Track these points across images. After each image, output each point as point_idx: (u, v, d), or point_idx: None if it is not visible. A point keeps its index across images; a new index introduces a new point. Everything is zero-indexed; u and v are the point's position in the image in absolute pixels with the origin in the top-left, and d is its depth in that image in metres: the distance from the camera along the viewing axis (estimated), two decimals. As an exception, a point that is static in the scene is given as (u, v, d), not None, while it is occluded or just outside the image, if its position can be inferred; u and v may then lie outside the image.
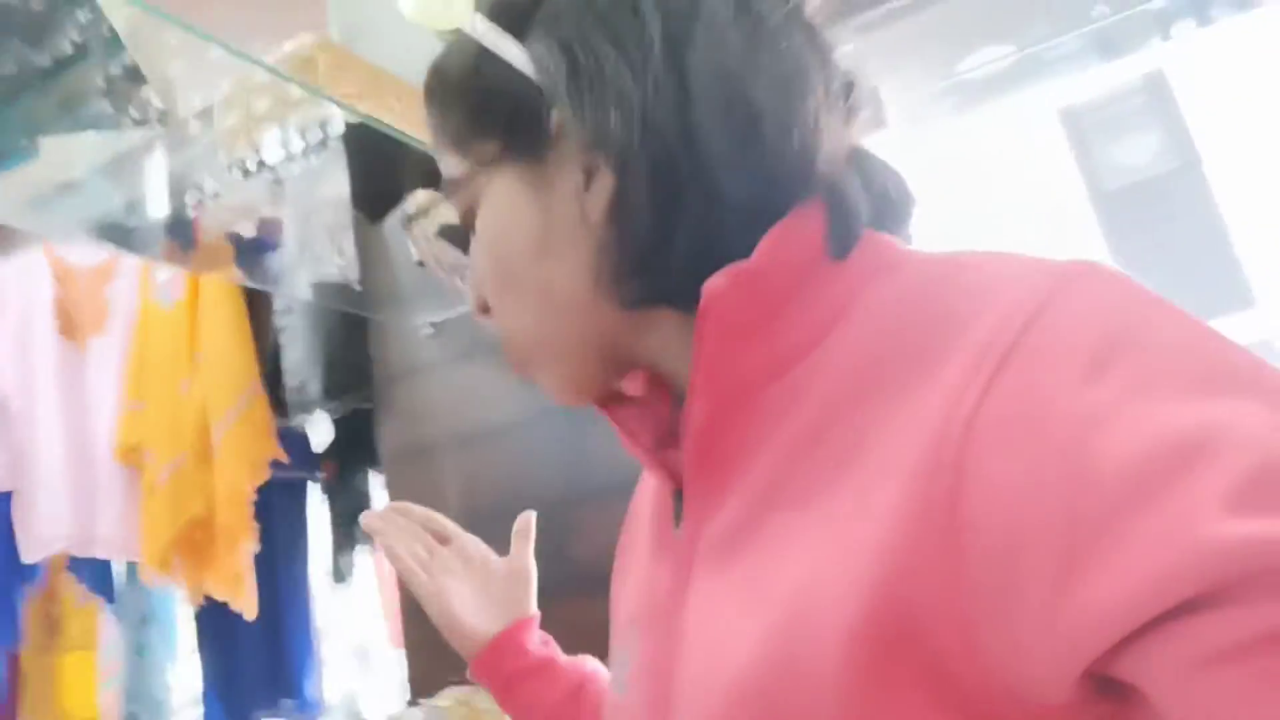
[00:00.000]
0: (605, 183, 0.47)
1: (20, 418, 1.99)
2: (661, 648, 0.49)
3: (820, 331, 0.46)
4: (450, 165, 0.54)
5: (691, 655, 0.46)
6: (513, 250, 0.51)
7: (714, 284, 0.45)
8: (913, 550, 0.36)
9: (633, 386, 0.57)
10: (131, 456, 1.91)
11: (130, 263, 2.04)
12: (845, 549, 0.39)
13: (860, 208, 0.48)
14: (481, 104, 0.51)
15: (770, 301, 0.46)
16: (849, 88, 0.50)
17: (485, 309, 0.56)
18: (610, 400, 0.56)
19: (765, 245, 0.46)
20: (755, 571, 0.43)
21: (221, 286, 1.88)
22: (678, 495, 0.53)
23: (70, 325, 2.02)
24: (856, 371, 0.43)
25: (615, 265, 0.48)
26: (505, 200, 0.51)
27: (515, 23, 0.49)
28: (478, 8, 0.49)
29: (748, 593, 0.43)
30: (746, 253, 0.46)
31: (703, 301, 0.45)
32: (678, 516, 0.52)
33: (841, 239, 0.47)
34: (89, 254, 2.07)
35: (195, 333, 1.89)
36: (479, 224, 0.53)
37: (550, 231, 0.50)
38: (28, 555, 1.94)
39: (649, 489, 0.63)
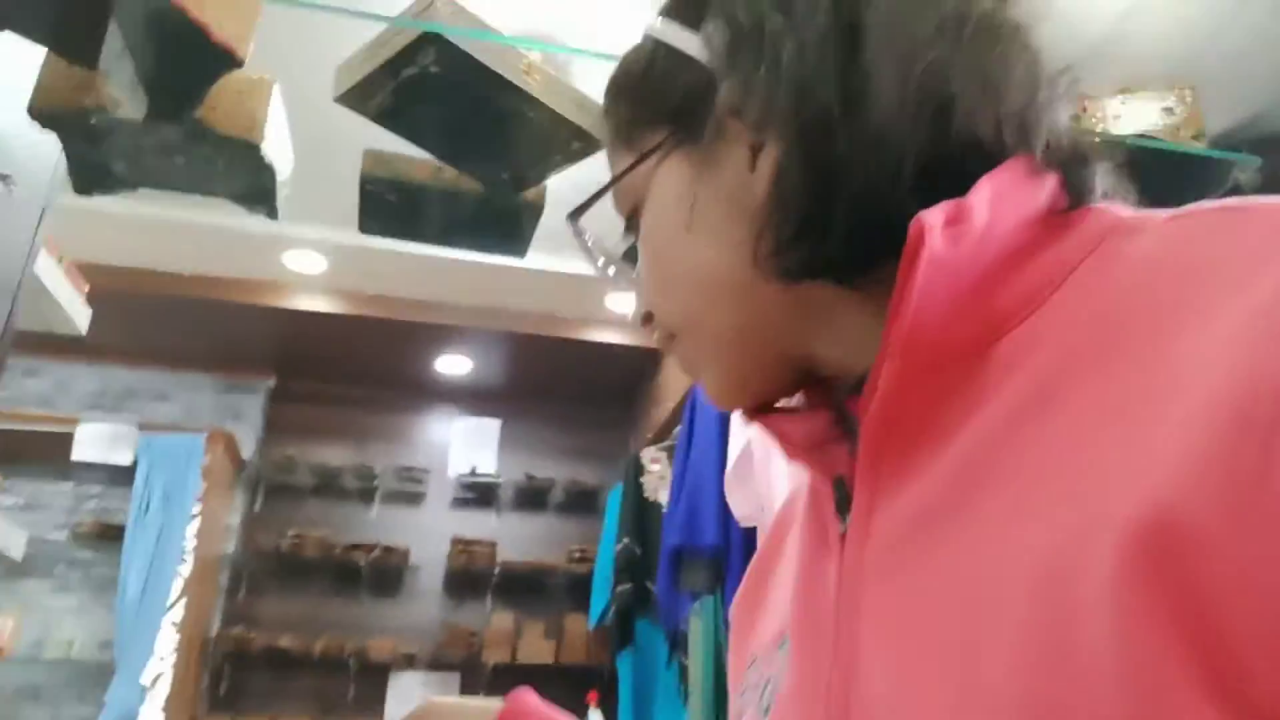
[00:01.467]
0: (770, 154, 0.45)
1: (760, 464, 2.30)
2: (827, 660, 0.43)
3: (1042, 293, 0.41)
4: (618, 162, 0.53)
5: (877, 669, 0.40)
6: (672, 236, 0.49)
7: (929, 217, 0.40)
8: (1211, 503, 0.30)
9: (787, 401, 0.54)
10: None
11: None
12: (1103, 514, 0.32)
13: (1093, 160, 0.45)
14: (651, 93, 0.51)
15: (988, 250, 0.41)
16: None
17: (649, 318, 0.54)
18: (765, 410, 0.52)
19: (985, 187, 0.41)
20: (963, 561, 0.37)
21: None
22: (839, 485, 0.47)
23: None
24: (1094, 333, 0.38)
25: (775, 235, 0.45)
26: (669, 186, 0.50)
27: (691, 12, 0.50)
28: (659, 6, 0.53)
29: (956, 589, 0.37)
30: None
31: (911, 237, 0.40)
32: (842, 509, 0.46)
33: (1077, 187, 0.44)
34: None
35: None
36: (644, 220, 0.52)
37: (711, 211, 0.48)
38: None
39: (796, 502, 0.59)
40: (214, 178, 1.26)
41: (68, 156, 1.24)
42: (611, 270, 0.56)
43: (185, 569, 4.04)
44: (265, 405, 4.81)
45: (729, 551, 2.66)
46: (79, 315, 1.64)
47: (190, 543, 4.07)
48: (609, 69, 0.55)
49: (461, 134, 1.06)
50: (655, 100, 0.50)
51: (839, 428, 0.48)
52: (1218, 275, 0.34)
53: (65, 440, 4.00)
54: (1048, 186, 0.43)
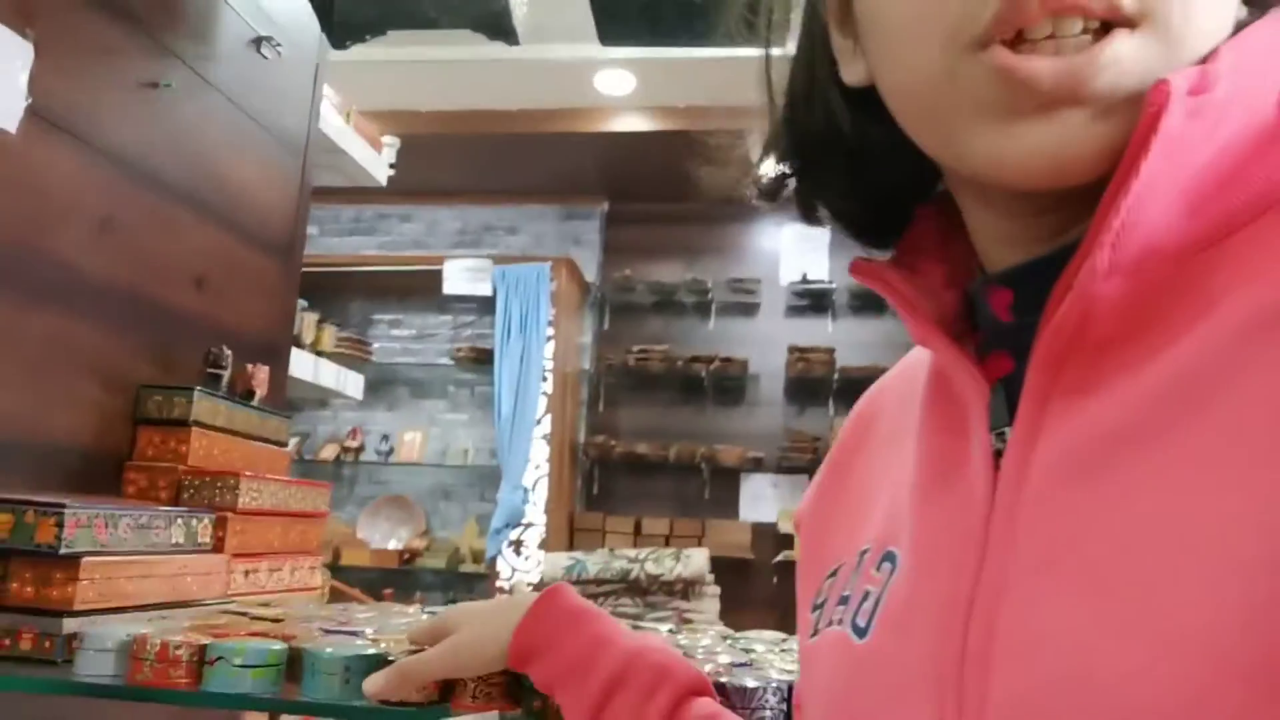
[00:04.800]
0: None
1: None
2: (967, 585, 0.38)
3: (1268, 195, 0.35)
4: None
5: (1041, 598, 0.35)
6: None
7: (1176, 80, 0.34)
8: None
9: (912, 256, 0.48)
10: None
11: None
12: None
13: None
14: None
15: (1222, 131, 0.35)
16: None
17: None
18: (886, 267, 0.46)
19: (1228, 54, 0.35)
20: (1168, 493, 0.33)
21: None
22: (996, 390, 0.42)
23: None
24: None
25: None
26: None
27: None
28: None
29: (1157, 522, 0.33)
30: None
31: (1151, 102, 0.34)
32: (996, 419, 0.41)
33: None
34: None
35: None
36: None
37: None
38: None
39: (884, 393, 0.55)
40: (450, 8, 1.21)
41: (316, 13, 1.25)
42: None
43: (548, 386, 4.45)
44: (602, 229, 5.02)
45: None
46: (374, 167, 1.73)
47: (549, 362, 4.46)
48: None
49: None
50: None
51: (966, 320, 0.45)
52: None
53: (438, 277, 4.48)
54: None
